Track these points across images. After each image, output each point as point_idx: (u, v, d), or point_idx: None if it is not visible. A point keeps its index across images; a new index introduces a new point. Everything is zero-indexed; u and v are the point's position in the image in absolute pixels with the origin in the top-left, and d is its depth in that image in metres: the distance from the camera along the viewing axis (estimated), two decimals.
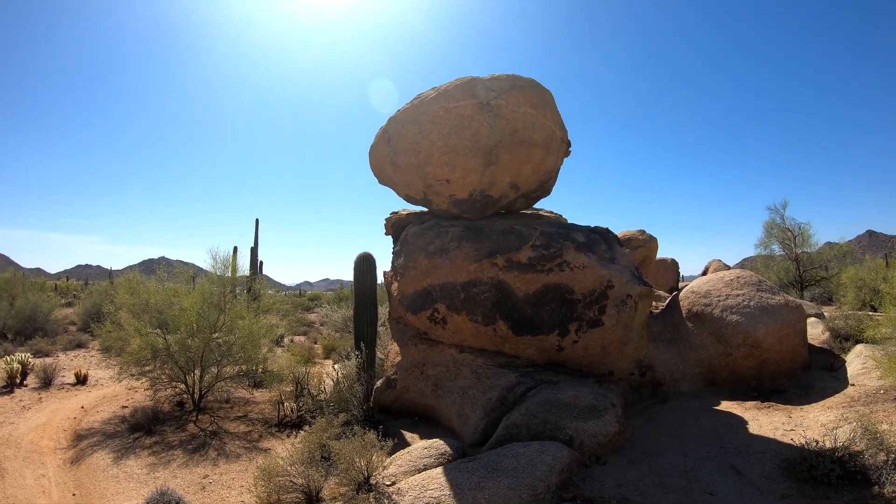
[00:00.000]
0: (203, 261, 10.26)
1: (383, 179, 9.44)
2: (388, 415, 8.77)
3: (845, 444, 5.31)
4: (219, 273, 10.05)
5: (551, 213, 10.41)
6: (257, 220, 23.27)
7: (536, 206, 10.12)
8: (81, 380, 11.42)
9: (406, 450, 6.66)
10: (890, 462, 5.00)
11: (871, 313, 12.07)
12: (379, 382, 9.27)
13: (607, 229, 8.98)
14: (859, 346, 8.82)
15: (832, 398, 7.41)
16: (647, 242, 17.02)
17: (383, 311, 11.03)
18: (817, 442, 5.51)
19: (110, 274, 38.86)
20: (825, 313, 12.60)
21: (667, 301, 10.03)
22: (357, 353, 8.86)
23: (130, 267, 16.71)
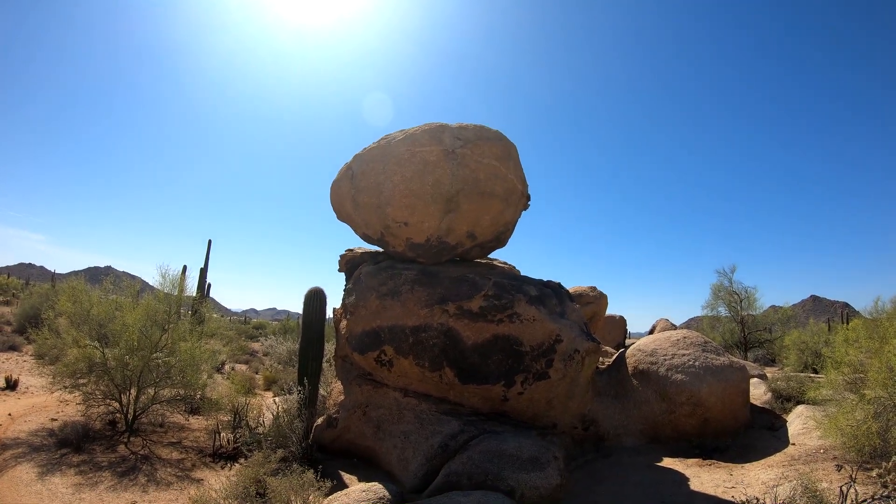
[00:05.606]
0: (151, 276, 9.95)
1: (342, 216, 9.41)
2: (327, 454, 8.55)
3: (785, 501, 5.42)
4: (166, 291, 9.76)
5: (505, 263, 10.51)
6: (210, 241, 22.58)
7: (491, 255, 10.19)
8: (11, 385, 10.84)
9: (344, 491, 6.49)
10: None
11: (812, 375, 12.49)
12: (320, 420, 9.06)
13: (559, 284, 9.11)
14: (800, 407, 9.11)
15: (773, 457, 7.59)
16: (597, 299, 17.44)
17: (330, 348, 10.86)
18: (758, 500, 5.61)
19: (53, 277, 37.35)
20: (767, 374, 13.00)
21: (613, 357, 10.18)
22: (300, 388, 8.65)
23: (75, 272, 16.13)
